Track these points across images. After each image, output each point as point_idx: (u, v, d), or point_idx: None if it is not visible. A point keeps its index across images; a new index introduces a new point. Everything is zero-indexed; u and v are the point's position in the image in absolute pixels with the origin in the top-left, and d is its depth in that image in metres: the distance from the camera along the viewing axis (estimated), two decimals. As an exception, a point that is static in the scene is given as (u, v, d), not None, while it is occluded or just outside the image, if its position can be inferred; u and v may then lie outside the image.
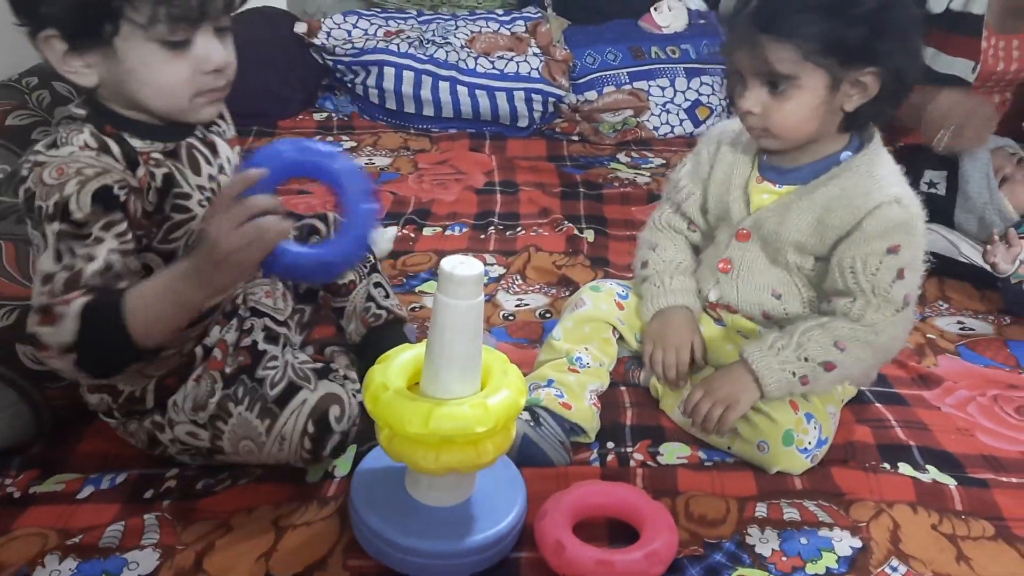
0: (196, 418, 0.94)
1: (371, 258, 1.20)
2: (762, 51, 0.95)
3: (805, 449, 1.01)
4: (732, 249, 1.10)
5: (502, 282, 1.42)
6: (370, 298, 1.16)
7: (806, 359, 1.00)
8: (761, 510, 0.96)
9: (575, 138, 2.10)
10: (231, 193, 0.79)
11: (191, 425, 0.95)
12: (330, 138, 2.01)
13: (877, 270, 0.98)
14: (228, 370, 0.96)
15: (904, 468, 1.03)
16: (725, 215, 1.10)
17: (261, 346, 0.98)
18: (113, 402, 0.96)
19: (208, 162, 0.96)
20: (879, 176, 1.00)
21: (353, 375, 1.07)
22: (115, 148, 0.87)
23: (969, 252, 1.47)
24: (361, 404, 0.98)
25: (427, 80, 2.06)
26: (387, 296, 1.18)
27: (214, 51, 0.85)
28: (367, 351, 1.11)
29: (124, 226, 0.85)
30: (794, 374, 1.00)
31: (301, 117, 2.09)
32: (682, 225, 1.17)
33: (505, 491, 0.90)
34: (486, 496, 0.89)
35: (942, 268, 1.48)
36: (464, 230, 1.61)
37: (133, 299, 0.81)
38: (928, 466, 1.04)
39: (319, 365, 0.99)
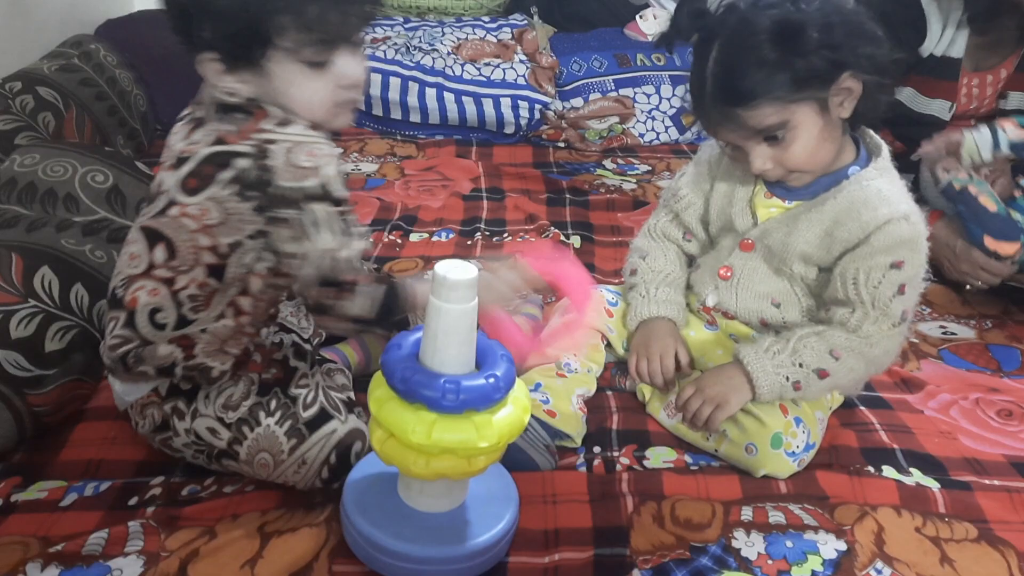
0: (224, 416, 0.94)
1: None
2: (744, 120, 0.96)
3: (793, 453, 1.01)
4: (735, 257, 1.10)
5: (489, 288, 1.43)
6: None
7: (800, 365, 1.01)
8: (746, 513, 0.96)
9: (561, 145, 2.11)
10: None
11: (216, 422, 0.94)
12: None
13: (879, 284, 0.99)
14: (265, 376, 0.97)
15: (888, 471, 1.04)
16: (728, 226, 1.11)
17: (292, 362, 1.00)
18: (185, 360, 0.93)
19: None
20: (888, 192, 1.01)
21: (352, 395, 1.05)
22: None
23: None
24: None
25: (414, 87, 2.06)
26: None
27: (351, 68, 0.92)
28: None
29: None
30: (787, 379, 1.01)
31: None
32: (677, 234, 1.18)
33: (498, 497, 0.90)
34: (479, 502, 0.89)
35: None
36: (451, 236, 1.61)
37: (407, 296, 0.95)
38: (912, 469, 1.04)
39: (347, 397, 1.01)
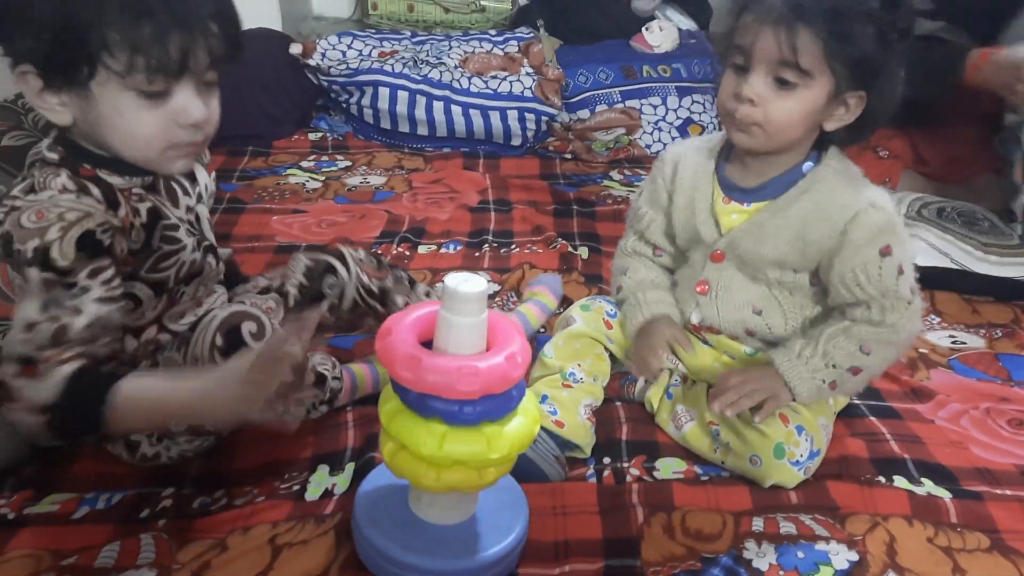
0: (175, 326, 0.95)
1: (406, 275, 1.21)
2: (793, 37, 0.93)
3: (797, 462, 1.01)
4: (708, 270, 1.09)
5: (497, 299, 1.43)
6: None
7: (833, 366, 1.02)
8: (757, 524, 0.96)
9: (568, 156, 2.12)
10: (282, 345, 0.75)
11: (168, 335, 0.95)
12: (325, 157, 2.02)
13: (880, 275, 0.99)
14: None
15: (899, 481, 1.03)
16: (696, 238, 1.10)
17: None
18: None
19: (186, 192, 0.96)
20: (848, 185, 1.02)
21: (327, 363, 1.05)
22: (95, 190, 0.85)
23: (961, 257, 1.49)
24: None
25: (421, 100, 2.07)
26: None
27: (193, 106, 0.82)
28: None
29: (111, 271, 0.83)
30: (824, 381, 1.03)
31: (296, 137, 2.11)
32: (647, 251, 1.17)
33: (507, 510, 0.90)
34: (489, 514, 0.89)
35: (932, 280, 1.50)
36: (459, 248, 1.61)
37: (128, 391, 0.80)
38: (923, 479, 1.04)
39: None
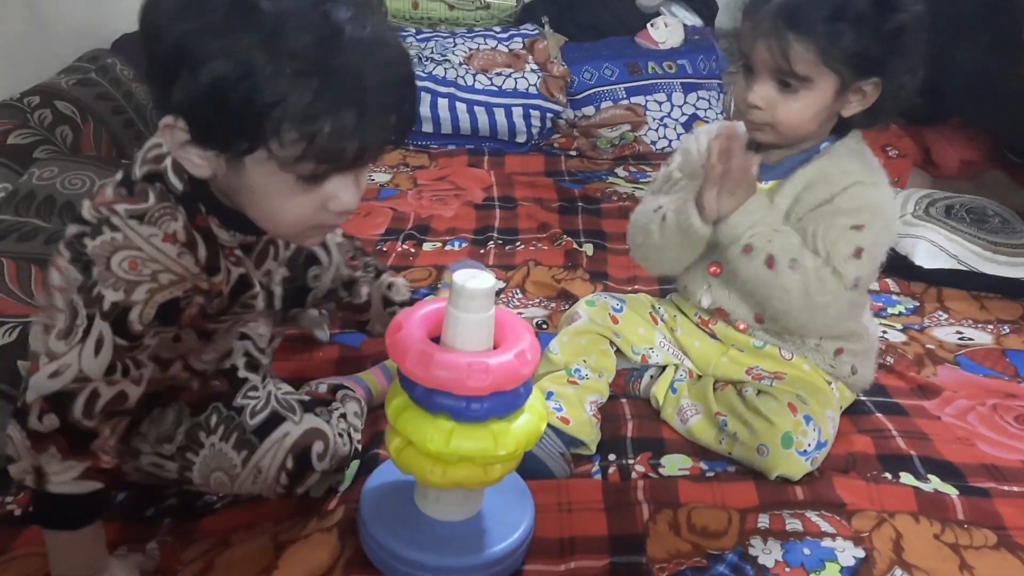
0: (161, 450, 0.89)
1: (373, 264, 1.20)
2: (785, 48, 0.95)
3: (804, 451, 1.01)
4: (721, 252, 1.10)
5: (502, 296, 1.43)
6: (388, 302, 1.17)
7: (770, 240, 1.00)
8: (763, 521, 0.95)
9: (573, 153, 2.11)
10: None
11: (156, 457, 0.90)
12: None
13: (836, 241, 0.99)
14: (203, 392, 0.91)
15: (905, 478, 1.03)
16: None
17: (242, 373, 0.93)
18: None
19: (275, 256, 0.90)
20: (857, 161, 1.03)
21: (357, 422, 1.02)
22: (201, 250, 0.79)
23: (969, 259, 1.48)
24: (349, 435, 0.96)
25: (426, 97, 2.07)
26: (400, 292, 1.19)
27: (348, 193, 0.74)
28: None
29: (170, 333, 0.81)
30: (752, 235, 0.99)
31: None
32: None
33: (513, 506, 0.90)
34: (495, 510, 0.89)
35: (939, 278, 1.49)
36: (464, 245, 1.61)
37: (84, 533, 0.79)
38: (930, 475, 1.04)
39: (305, 397, 0.95)
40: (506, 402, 0.79)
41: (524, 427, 0.81)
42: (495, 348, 0.79)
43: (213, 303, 0.84)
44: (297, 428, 0.89)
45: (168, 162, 0.78)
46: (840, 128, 1.04)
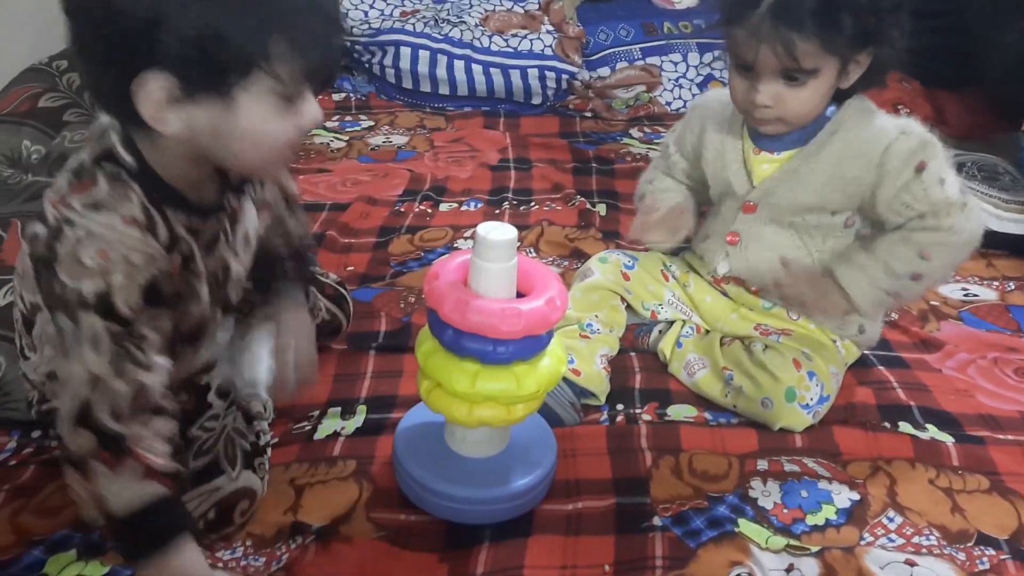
0: None
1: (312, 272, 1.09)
2: (791, 48, 0.95)
3: (807, 405, 1.05)
4: (740, 222, 1.13)
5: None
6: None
7: (895, 274, 1.03)
8: (762, 465, 1.00)
9: (588, 114, 2.13)
10: None
11: None
12: (348, 117, 2.06)
13: (924, 191, 1.01)
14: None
15: (903, 427, 1.06)
16: (728, 190, 1.13)
17: (211, 397, 0.93)
18: (39, 401, 0.90)
19: (227, 239, 0.85)
20: (875, 120, 1.05)
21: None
22: (162, 229, 0.76)
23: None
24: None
25: (442, 59, 2.09)
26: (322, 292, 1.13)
27: (317, 108, 0.76)
28: None
29: (165, 321, 0.79)
30: (885, 291, 1.04)
31: (320, 98, 2.12)
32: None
33: (537, 445, 0.96)
34: (519, 450, 0.94)
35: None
36: (479, 206, 1.65)
37: (185, 559, 0.75)
38: (927, 424, 1.07)
39: (248, 446, 0.93)
40: (529, 345, 0.84)
41: (545, 369, 0.86)
42: (526, 295, 0.84)
43: (169, 283, 0.80)
44: (230, 485, 0.88)
45: (115, 138, 0.75)
46: (841, 95, 1.05)
